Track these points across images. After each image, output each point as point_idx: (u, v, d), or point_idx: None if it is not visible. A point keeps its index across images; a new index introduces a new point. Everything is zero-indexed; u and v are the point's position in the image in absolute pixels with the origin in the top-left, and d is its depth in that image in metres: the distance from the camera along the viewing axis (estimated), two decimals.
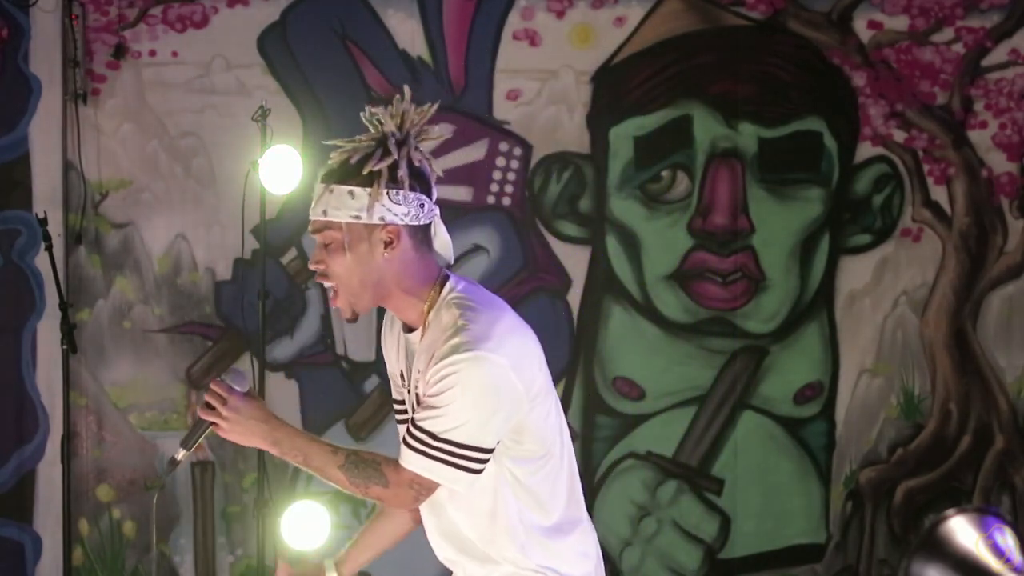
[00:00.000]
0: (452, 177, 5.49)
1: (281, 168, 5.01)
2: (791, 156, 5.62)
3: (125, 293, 5.46)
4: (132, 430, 5.46)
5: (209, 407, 2.80)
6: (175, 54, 5.46)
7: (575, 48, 5.54)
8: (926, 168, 5.67)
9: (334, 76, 5.50)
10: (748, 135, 5.60)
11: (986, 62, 5.68)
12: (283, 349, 5.49)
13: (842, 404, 5.68)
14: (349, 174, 2.77)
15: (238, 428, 2.79)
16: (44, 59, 5.39)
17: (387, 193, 2.75)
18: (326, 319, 5.52)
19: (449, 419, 2.71)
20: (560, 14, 5.56)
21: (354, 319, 2.85)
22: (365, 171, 2.75)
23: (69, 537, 5.24)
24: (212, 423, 2.80)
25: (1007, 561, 2.39)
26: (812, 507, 5.67)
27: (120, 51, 5.43)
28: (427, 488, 2.78)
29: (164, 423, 5.47)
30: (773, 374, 5.65)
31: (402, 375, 2.94)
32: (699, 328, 5.63)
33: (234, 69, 5.47)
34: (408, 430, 2.78)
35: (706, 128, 5.58)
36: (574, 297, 5.60)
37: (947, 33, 5.66)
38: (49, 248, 5.08)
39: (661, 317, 5.61)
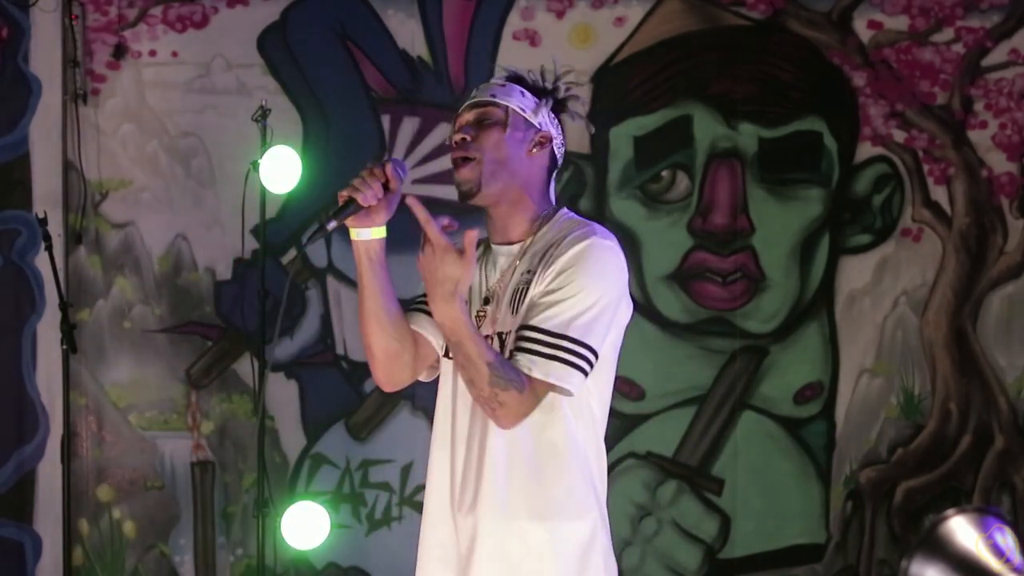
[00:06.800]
0: (452, 177, 5.48)
1: (281, 168, 5.01)
2: (791, 156, 5.62)
3: (125, 293, 5.46)
4: (132, 430, 5.46)
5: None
6: (175, 54, 5.46)
7: (575, 48, 5.54)
8: (926, 168, 5.67)
9: (334, 76, 5.51)
10: (748, 135, 5.60)
11: (986, 62, 5.68)
12: (283, 349, 5.49)
13: (842, 404, 5.68)
14: (524, 82, 2.97)
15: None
16: (44, 59, 5.40)
17: (549, 112, 2.95)
18: (326, 319, 5.52)
19: (567, 310, 2.75)
20: (560, 14, 5.56)
21: (471, 195, 2.89)
22: (560, 95, 2.96)
23: (69, 537, 5.24)
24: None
25: (1007, 561, 2.39)
26: (812, 507, 5.66)
27: (120, 51, 5.43)
28: (540, 397, 2.77)
29: (164, 423, 5.47)
30: (773, 374, 5.65)
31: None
32: (699, 328, 5.62)
33: (234, 69, 5.47)
34: (524, 335, 2.78)
35: (706, 128, 5.58)
36: None
37: (947, 33, 5.66)
38: (49, 248, 5.08)
39: (661, 317, 5.61)
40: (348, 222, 2.79)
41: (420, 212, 2.72)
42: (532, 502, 2.80)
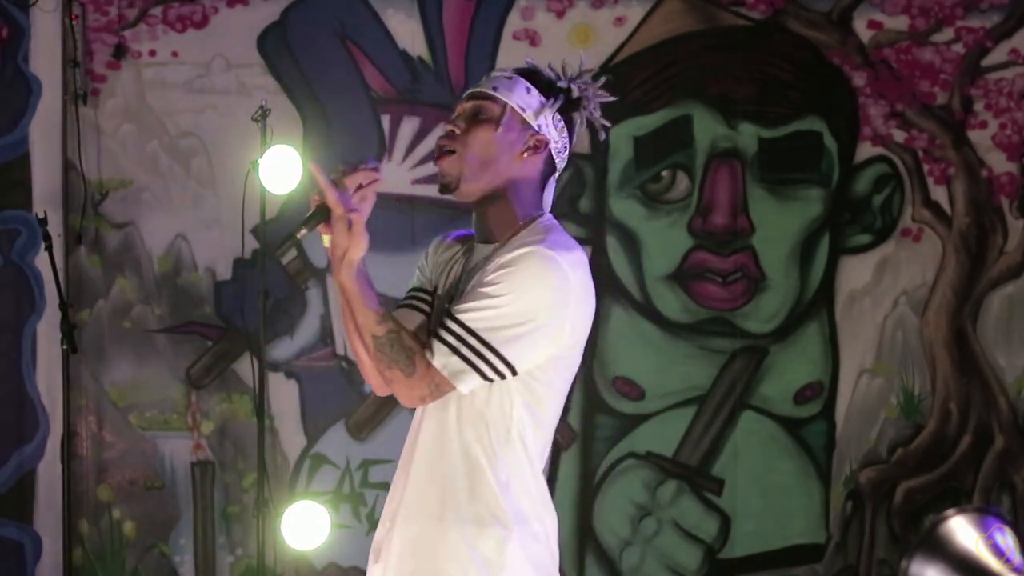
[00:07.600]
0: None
1: (281, 168, 5.02)
2: (791, 156, 5.62)
3: (125, 293, 5.47)
4: (132, 430, 5.46)
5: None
6: (175, 54, 5.46)
7: (575, 48, 5.54)
8: (926, 168, 5.67)
9: (334, 76, 5.51)
10: (748, 135, 5.60)
11: (986, 62, 5.67)
12: (283, 349, 5.49)
13: (842, 404, 5.68)
14: (535, 78, 2.84)
15: (354, 234, 2.64)
16: (44, 59, 5.40)
17: (555, 113, 2.83)
18: (326, 319, 5.52)
19: (484, 309, 2.67)
20: (560, 14, 5.56)
21: (449, 189, 2.82)
22: (574, 95, 2.85)
23: (69, 537, 5.24)
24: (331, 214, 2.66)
25: (1007, 561, 2.39)
26: (812, 507, 5.66)
27: (120, 51, 5.43)
28: (440, 387, 2.71)
29: (164, 423, 5.47)
30: (773, 374, 5.65)
31: (436, 289, 2.91)
32: (699, 328, 5.62)
33: (234, 69, 5.47)
34: (442, 321, 2.71)
35: (706, 128, 5.58)
36: None
37: (947, 33, 5.66)
38: (49, 248, 5.08)
39: (661, 317, 5.61)
40: (322, 228, 2.69)
41: (321, 178, 2.65)
42: (446, 507, 2.77)
